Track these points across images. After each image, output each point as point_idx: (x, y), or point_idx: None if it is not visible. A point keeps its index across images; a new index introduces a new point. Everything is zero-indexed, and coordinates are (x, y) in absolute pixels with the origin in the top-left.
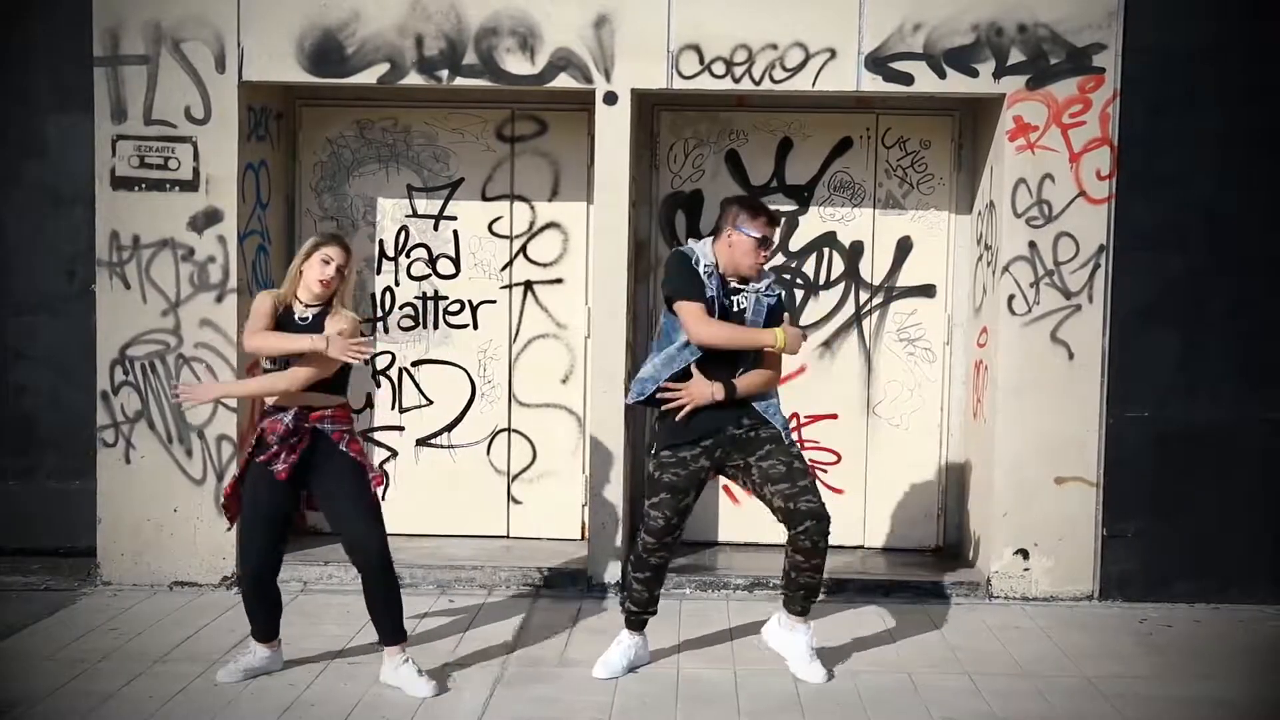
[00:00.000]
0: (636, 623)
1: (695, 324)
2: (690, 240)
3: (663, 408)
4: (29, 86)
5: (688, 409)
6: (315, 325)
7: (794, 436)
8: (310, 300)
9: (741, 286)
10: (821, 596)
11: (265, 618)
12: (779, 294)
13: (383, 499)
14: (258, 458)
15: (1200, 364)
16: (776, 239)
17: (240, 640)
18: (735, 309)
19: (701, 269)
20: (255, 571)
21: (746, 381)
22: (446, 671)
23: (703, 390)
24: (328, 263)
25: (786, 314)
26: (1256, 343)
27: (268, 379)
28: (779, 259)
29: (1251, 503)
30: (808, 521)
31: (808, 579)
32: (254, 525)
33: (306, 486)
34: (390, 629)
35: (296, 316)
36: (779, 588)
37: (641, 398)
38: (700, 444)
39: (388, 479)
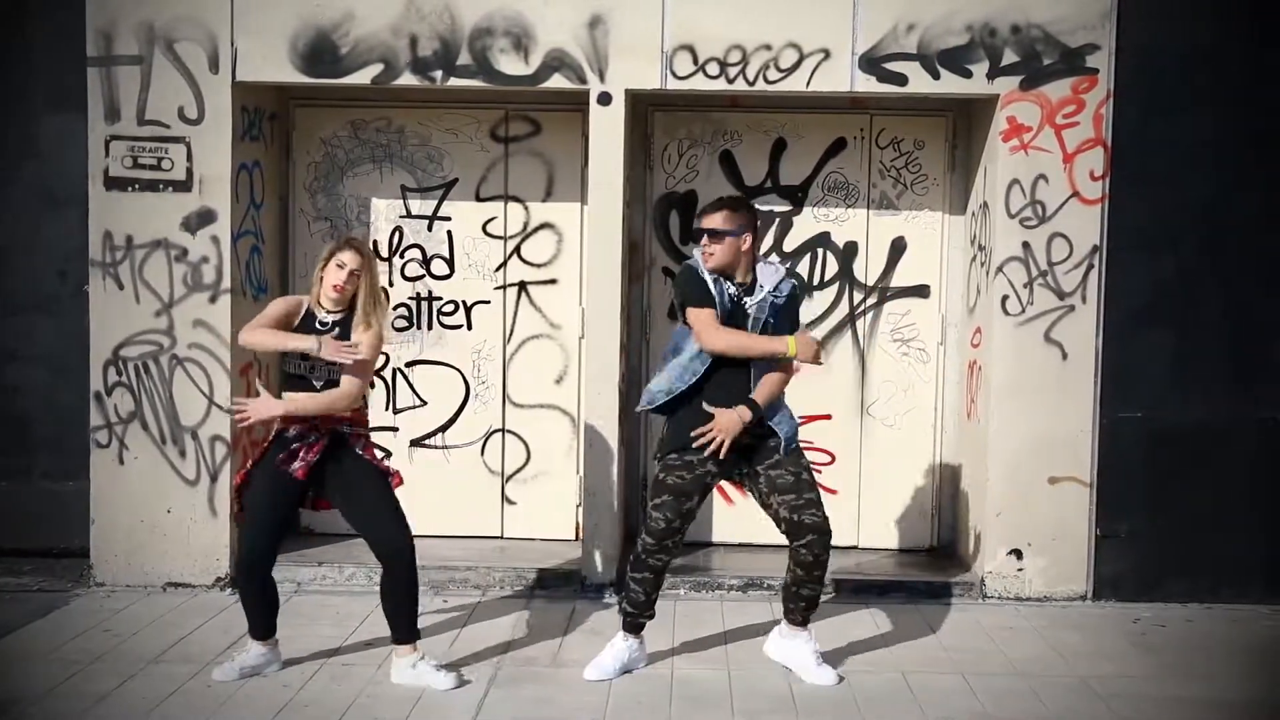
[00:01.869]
0: (633, 625)
1: (706, 331)
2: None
3: (695, 446)
4: (23, 87)
5: (724, 445)
6: (340, 331)
7: (798, 442)
8: (331, 306)
9: (746, 288)
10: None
11: (259, 613)
12: (789, 291)
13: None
14: (277, 457)
15: (1193, 364)
16: (716, 223)
17: (235, 641)
18: (747, 311)
19: (709, 278)
20: (247, 561)
21: (764, 393)
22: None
23: (730, 420)
24: (341, 267)
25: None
26: (1249, 343)
27: (326, 397)
28: (773, 259)
29: (1244, 503)
30: (810, 535)
31: (809, 590)
32: (254, 518)
33: (320, 489)
34: (405, 628)
35: (317, 322)
36: (781, 598)
37: (650, 406)
38: (707, 449)
39: (401, 479)
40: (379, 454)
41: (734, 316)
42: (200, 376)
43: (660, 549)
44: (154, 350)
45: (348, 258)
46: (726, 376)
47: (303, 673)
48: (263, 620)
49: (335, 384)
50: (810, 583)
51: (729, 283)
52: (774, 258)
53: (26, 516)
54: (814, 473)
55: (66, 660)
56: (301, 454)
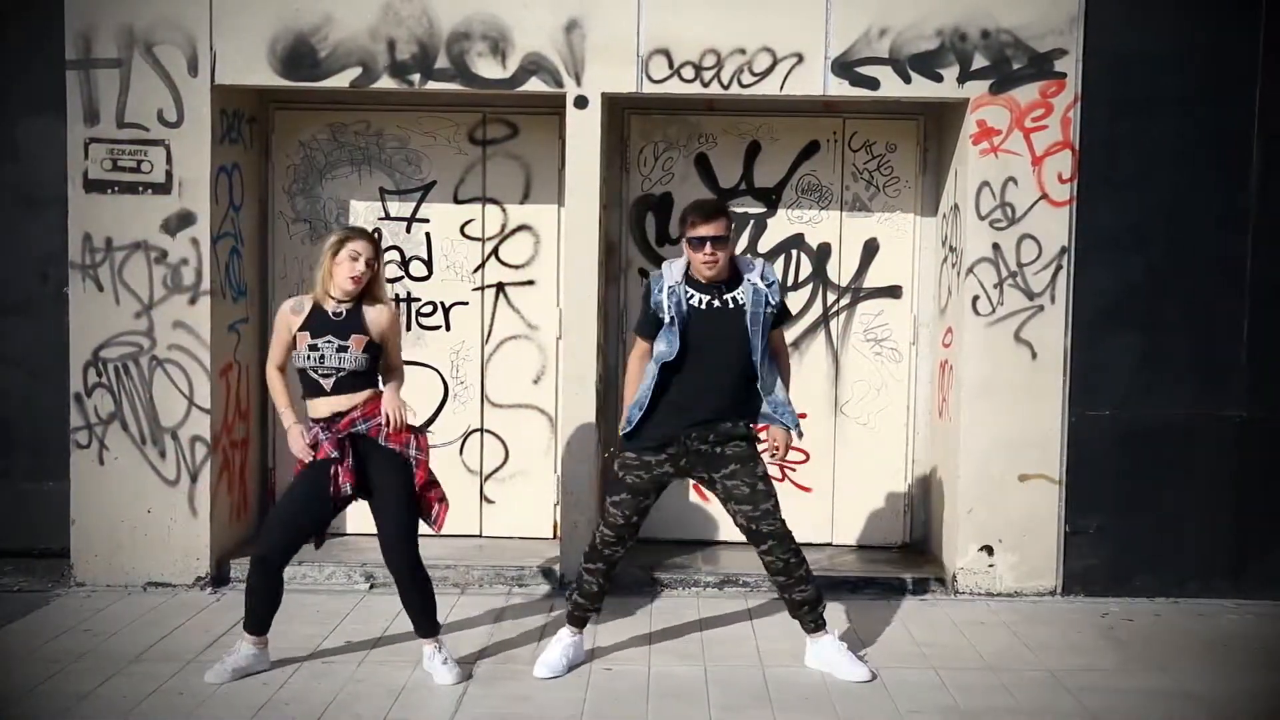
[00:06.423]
0: (579, 619)
1: (630, 361)
2: (666, 262)
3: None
4: (0, 90)
5: (782, 451)
6: (350, 320)
7: (755, 444)
8: (342, 297)
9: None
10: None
11: (263, 609)
12: (773, 283)
13: (432, 505)
14: (328, 471)
15: (1159, 363)
16: (718, 230)
17: (216, 640)
18: (731, 306)
19: (666, 291)
20: (264, 556)
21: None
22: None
23: (784, 437)
24: (356, 258)
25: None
26: (1213, 342)
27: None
28: (746, 256)
29: (1209, 499)
30: (770, 542)
31: (801, 594)
32: (283, 515)
33: (367, 490)
34: (422, 625)
35: (331, 313)
36: (790, 611)
37: (629, 428)
38: (665, 450)
39: (440, 493)
40: (410, 449)
41: (712, 318)
42: (180, 377)
43: (617, 541)
44: (134, 351)
45: (361, 247)
46: (686, 376)
47: (283, 671)
48: (264, 615)
49: (344, 376)
50: (794, 587)
51: (692, 289)
52: (746, 255)
53: (6, 517)
54: (770, 480)
55: (47, 660)
56: (340, 475)
